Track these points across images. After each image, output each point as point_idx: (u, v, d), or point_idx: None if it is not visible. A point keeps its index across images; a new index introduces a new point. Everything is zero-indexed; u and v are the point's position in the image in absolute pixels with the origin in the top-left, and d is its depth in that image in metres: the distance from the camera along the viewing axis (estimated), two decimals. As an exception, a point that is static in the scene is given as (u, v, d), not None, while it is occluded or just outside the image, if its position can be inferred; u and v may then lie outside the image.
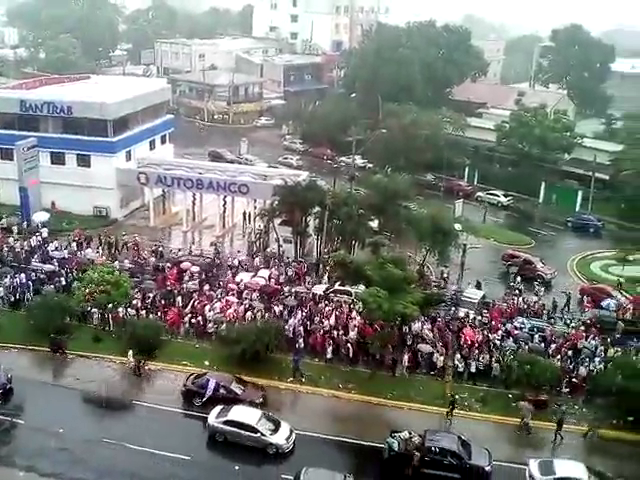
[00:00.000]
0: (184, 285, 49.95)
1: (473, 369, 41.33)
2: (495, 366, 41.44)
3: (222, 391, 37.30)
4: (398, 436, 33.86)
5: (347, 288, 48.72)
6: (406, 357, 41.53)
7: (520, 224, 74.51)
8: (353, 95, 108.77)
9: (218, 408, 35.41)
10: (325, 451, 34.74)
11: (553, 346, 44.17)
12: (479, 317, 47.96)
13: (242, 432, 33.91)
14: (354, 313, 46.03)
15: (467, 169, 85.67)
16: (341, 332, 43.54)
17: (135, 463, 32.77)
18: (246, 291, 49.14)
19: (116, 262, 52.43)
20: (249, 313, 45.39)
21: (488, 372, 41.57)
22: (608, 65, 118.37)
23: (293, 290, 50.01)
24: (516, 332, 45.75)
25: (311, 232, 57.98)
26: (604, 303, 52.09)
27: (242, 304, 46.79)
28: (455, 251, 54.68)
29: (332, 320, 44.83)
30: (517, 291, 53.57)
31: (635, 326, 49.28)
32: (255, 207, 62.60)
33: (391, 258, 43.77)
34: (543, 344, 44.67)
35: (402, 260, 44.87)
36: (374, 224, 57.04)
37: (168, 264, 53.05)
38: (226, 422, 34.30)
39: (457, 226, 55.37)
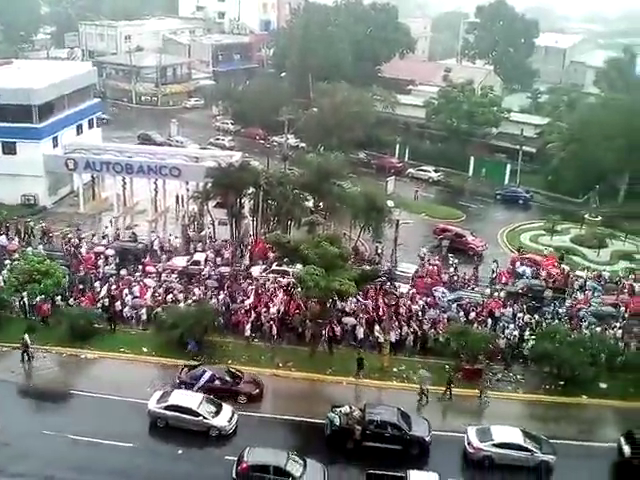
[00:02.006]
0: (100, 270, 49.30)
1: (392, 339, 42.09)
2: (410, 337, 42.54)
3: (217, 383, 37.08)
4: (339, 411, 34.35)
5: (285, 268, 48.87)
6: (326, 331, 41.99)
7: (451, 198, 75.96)
8: (283, 74, 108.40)
9: (158, 394, 35.24)
10: (268, 430, 34.98)
11: (472, 314, 45.50)
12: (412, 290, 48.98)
13: (183, 416, 33.82)
14: (279, 291, 46.45)
15: (398, 146, 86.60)
16: (263, 310, 43.89)
17: (77, 454, 32.35)
18: (164, 274, 48.98)
19: (29, 248, 51.37)
20: (170, 296, 45.26)
21: (424, 343, 42.59)
22: (532, 40, 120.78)
23: (216, 271, 49.93)
24: (437, 302, 47.18)
25: (246, 213, 57.78)
26: (519, 270, 53.85)
27: (161, 287, 46.65)
28: (389, 227, 55.39)
29: (252, 298, 45.07)
30: (454, 264, 54.94)
31: (562, 293, 51.10)
32: (188, 190, 61.94)
33: (327, 236, 44.20)
34: (462, 313, 45.98)
35: (337, 238, 45.35)
36: (309, 203, 57.26)
37: (83, 249, 52.15)
38: (167, 407, 34.14)
39: (390, 203, 56.10)
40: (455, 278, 52.63)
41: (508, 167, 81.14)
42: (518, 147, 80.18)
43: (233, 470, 30.76)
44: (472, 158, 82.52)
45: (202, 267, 50.62)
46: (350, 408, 34.52)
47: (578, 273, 54.98)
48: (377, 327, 42.99)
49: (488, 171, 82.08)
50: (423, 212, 68.18)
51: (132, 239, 56.12)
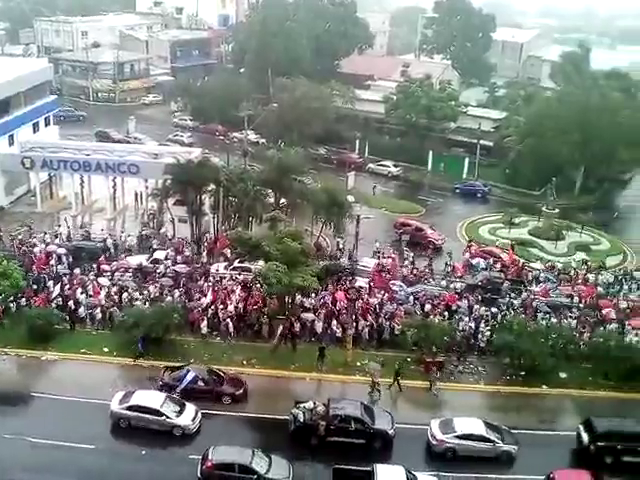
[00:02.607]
0: (53, 269, 48.69)
1: (349, 332, 42.22)
2: (365, 330, 42.80)
3: (200, 384, 36.75)
4: (303, 407, 34.44)
5: (247, 265, 48.75)
6: (284, 327, 41.99)
7: (410, 193, 76.53)
8: (242, 70, 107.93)
9: (120, 394, 34.89)
10: (233, 428, 34.90)
11: (428, 307, 46.00)
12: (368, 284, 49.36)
13: (146, 416, 33.57)
14: (237, 288, 46.41)
15: (358, 141, 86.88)
16: (220, 307, 43.76)
17: (37, 457, 31.81)
18: (118, 272, 48.62)
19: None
20: (125, 294, 44.96)
21: (392, 337, 43.01)
22: (489, 34, 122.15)
23: (171, 269, 49.70)
24: (394, 295, 47.54)
25: (207, 210, 57.45)
26: (474, 261, 54.64)
27: (115, 285, 46.30)
28: (350, 222, 55.61)
29: (210, 296, 44.94)
30: (411, 258, 55.48)
31: (520, 285, 51.86)
32: (147, 187, 61.36)
33: (288, 232, 44.26)
34: (419, 306, 46.50)
35: (299, 234, 45.43)
36: (271, 199, 57.22)
37: (35, 249, 51.41)
38: (129, 407, 33.83)
39: (350, 198, 56.33)
40: (414, 271, 52.96)
41: (466, 161, 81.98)
42: (476, 141, 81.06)
43: (198, 469, 30.64)
44: (431, 153, 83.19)
45: (161, 265, 50.16)
46: (314, 404, 34.61)
47: (532, 265, 55.88)
48: (334, 321, 43.15)
49: (447, 165, 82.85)
50: (383, 207, 68.61)
51: (86, 237, 55.24)
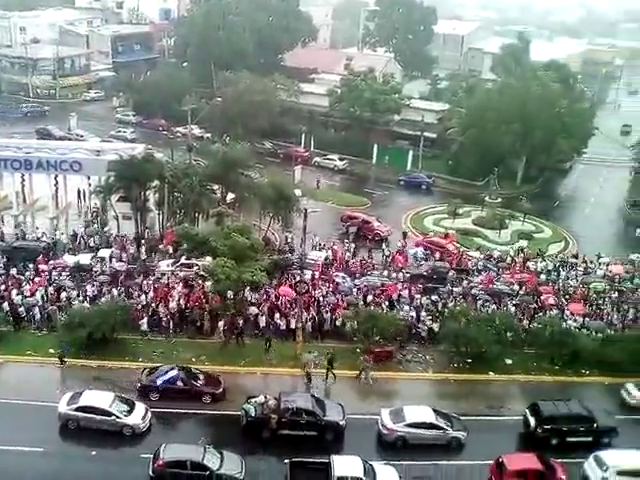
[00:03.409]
0: None
1: (292, 325, 42.58)
2: (309, 323, 42.95)
3: (179, 384, 36.26)
4: (254, 401, 34.47)
5: (193, 261, 48.41)
6: (222, 323, 41.93)
7: (356, 186, 77.06)
8: (185, 64, 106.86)
9: (68, 395, 34.33)
10: (184, 426, 34.75)
11: (370, 297, 46.46)
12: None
13: (95, 417, 33.13)
14: (178, 284, 46.17)
15: (303, 135, 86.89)
16: (161, 304, 43.47)
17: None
18: (55, 272, 47.84)
19: None
20: (64, 294, 44.31)
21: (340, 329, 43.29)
22: (431, 27, 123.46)
23: (109, 266, 49.11)
24: (338, 287, 47.94)
25: (152, 207, 56.79)
26: (411, 251, 55.42)
27: (51, 285, 45.58)
28: (297, 216, 55.70)
29: (151, 293, 44.70)
30: (352, 249, 56.15)
31: (464, 274, 52.72)
32: (90, 185, 60.32)
33: (236, 227, 44.05)
34: (361, 296, 46.91)
35: (247, 228, 45.31)
36: (218, 194, 56.92)
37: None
38: (78, 408, 33.32)
39: (297, 192, 56.40)
40: (362, 263, 53.33)
41: (410, 153, 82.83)
42: (419, 133, 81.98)
43: (149, 468, 30.37)
44: (375, 145, 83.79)
45: (98, 263, 49.47)
46: (265, 398, 34.65)
47: (471, 253, 56.91)
48: (278, 315, 43.23)
49: (391, 158, 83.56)
50: (330, 200, 68.87)
51: (22, 237, 53.97)
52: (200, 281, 46.58)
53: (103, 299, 43.74)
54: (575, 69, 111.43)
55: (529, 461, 32.11)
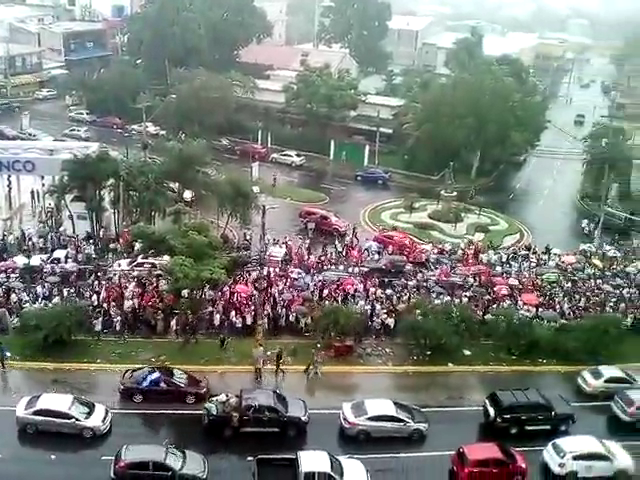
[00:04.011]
0: None
1: (248, 322, 42.56)
2: (265, 320, 42.88)
3: (163, 385, 35.82)
4: (215, 400, 34.31)
5: (151, 260, 47.95)
6: (174, 322, 41.70)
7: (314, 182, 77.27)
8: (139, 61, 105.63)
9: (26, 399, 33.70)
10: (145, 426, 34.47)
11: (325, 292, 46.69)
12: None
13: (54, 420, 32.66)
14: (131, 284, 45.68)
15: (260, 131, 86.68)
16: (112, 304, 43.06)
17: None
18: (2, 274, 47.16)
19: None
20: (13, 296, 43.58)
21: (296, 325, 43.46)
22: (385, 23, 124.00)
23: (59, 267, 48.45)
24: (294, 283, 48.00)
25: (107, 206, 56.08)
26: (366, 245, 55.75)
27: (1, 287, 44.92)
28: (256, 213, 55.53)
29: (103, 294, 44.18)
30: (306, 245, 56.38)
31: (422, 267, 53.17)
32: (43, 185, 59.29)
33: (193, 225, 43.82)
34: (318, 291, 47.04)
35: (205, 226, 45.08)
36: (175, 192, 56.51)
37: None
38: (36, 412, 32.77)
39: (255, 188, 56.26)
40: (321, 258, 53.43)
41: (367, 149, 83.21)
42: (375, 129, 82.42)
43: (111, 470, 30.04)
44: (332, 141, 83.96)
45: (48, 264, 48.71)
46: (226, 396, 34.53)
47: (424, 247, 57.42)
48: (233, 312, 43.09)
49: (348, 153, 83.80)
50: (288, 196, 68.82)
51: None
52: (153, 280, 46.13)
53: (54, 300, 42.98)
54: (527, 63, 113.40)
55: (489, 451, 32.60)
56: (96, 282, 46.27)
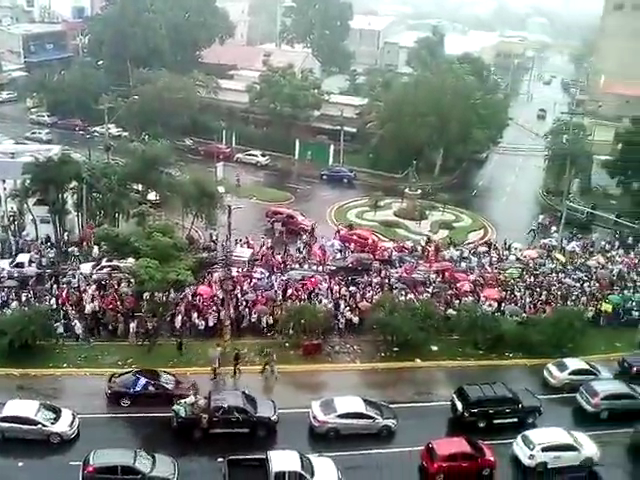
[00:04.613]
0: None
1: (211, 323, 42.46)
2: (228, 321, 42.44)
3: (151, 388, 35.53)
4: (183, 402, 34.11)
5: (115, 263, 47.51)
6: (133, 324, 41.25)
7: (279, 181, 77.28)
8: (101, 62, 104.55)
9: (-9, 406, 33.23)
10: (114, 430, 34.08)
11: (290, 291, 46.70)
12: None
13: (21, 426, 32.17)
14: (90, 287, 45.24)
15: (224, 131, 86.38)
16: (70, 308, 42.63)
17: None
18: None
19: None
20: None
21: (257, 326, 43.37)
22: (347, 22, 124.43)
23: (16, 271, 47.72)
24: (257, 282, 47.90)
25: (70, 209, 55.43)
26: (327, 244, 56.14)
27: None
28: (221, 213, 55.32)
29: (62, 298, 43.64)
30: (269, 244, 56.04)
31: (388, 264, 53.50)
32: (5, 188, 58.37)
33: (158, 226, 43.47)
34: (281, 291, 46.91)
35: (169, 227, 44.75)
36: (139, 194, 56.09)
37: None
38: (2, 419, 32.26)
39: (220, 189, 56.08)
40: (284, 258, 53.40)
41: (331, 148, 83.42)
42: (339, 128, 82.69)
43: (79, 475, 29.69)
44: (297, 141, 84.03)
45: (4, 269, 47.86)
46: (195, 397, 34.39)
47: (385, 244, 57.74)
48: (195, 314, 42.85)
49: (313, 153, 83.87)
50: (254, 196, 68.73)
51: None
52: (114, 283, 45.69)
53: (13, 305, 42.18)
54: (488, 61, 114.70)
55: (458, 445, 32.94)
56: (55, 286, 45.48)
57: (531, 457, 33.22)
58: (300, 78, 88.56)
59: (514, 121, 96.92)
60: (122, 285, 45.34)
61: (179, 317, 42.51)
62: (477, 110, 79.80)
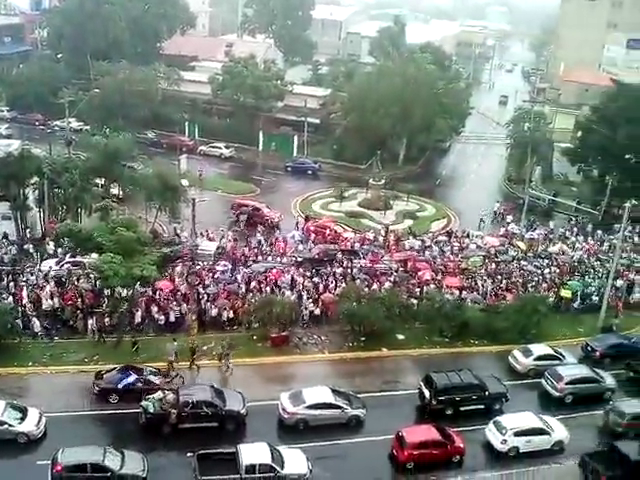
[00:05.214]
0: None
1: (172, 318, 42.21)
2: (189, 315, 42.38)
3: (140, 384, 35.27)
4: (152, 397, 33.92)
5: (79, 259, 46.97)
6: (92, 321, 40.80)
7: (244, 173, 76.95)
8: (60, 55, 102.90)
9: (-46, 408, 32.69)
10: (82, 428, 33.71)
11: (253, 284, 46.63)
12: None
13: (-15, 427, 31.84)
14: (49, 284, 44.56)
15: (187, 123, 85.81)
16: (28, 305, 42.01)
17: None
18: None
19: None
20: None
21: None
22: (309, 13, 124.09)
23: None
24: (219, 276, 47.76)
25: (32, 205, 54.62)
26: (289, 235, 56.37)
27: None
28: (185, 206, 54.94)
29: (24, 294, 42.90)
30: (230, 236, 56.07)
31: (353, 255, 53.68)
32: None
33: (121, 221, 43.06)
34: (244, 284, 46.86)
35: (133, 222, 44.28)
36: (101, 188, 55.49)
37: None
38: (-34, 420, 31.90)
39: (184, 181, 55.69)
40: (245, 251, 53.27)
41: (296, 139, 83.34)
42: (303, 119, 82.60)
43: (48, 474, 29.41)
44: (261, 132, 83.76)
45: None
46: (163, 393, 34.23)
47: (346, 235, 57.98)
48: (155, 309, 42.55)
49: (277, 144, 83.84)
50: (219, 188, 68.40)
51: None
52: (74, 279, 45.16)
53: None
54: (450, 51, 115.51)
55: (428, 432, 33.30)
56: (12, 284, 44.68)
57: (503, 442, 33.78)
58: (263, 69, 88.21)
59: (476, 110, 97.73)
60: (81, 281, 44.79)
61: (139, 312, 42.05)
62: (439, 99, 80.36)
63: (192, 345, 39.16)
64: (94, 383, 35.74)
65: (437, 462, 32.69)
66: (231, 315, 43.10)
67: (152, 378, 36.28)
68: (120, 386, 35.29)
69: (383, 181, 68.63)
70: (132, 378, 35.63)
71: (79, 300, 42.68)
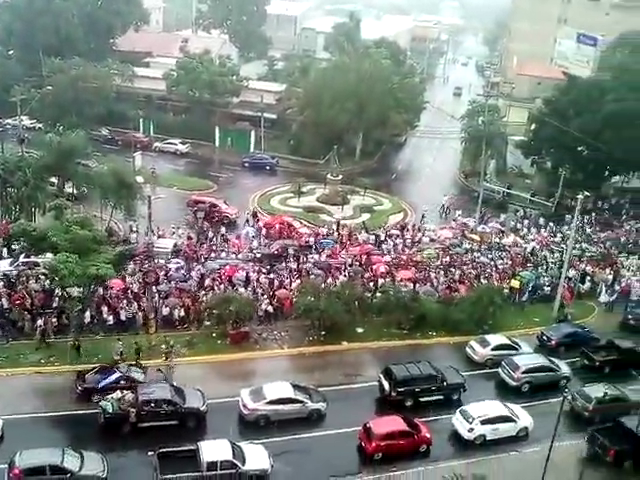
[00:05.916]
0: None
1: (123, 317, 41.68)
2: (140, 314, 42.12)
3: (123, 382, 34.82)
4: (110, 397, 33.65)
5: (34, 259, 46.19)
6: (40, 321, 39.97)
7: (200, 169, 76.48)
8: (11, 52, 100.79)
9: None
10: (39, 430, 33.22)
11: (207, 281, 46.49)
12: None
13: (-61, 431, 31.21)
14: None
15: (142, 120, 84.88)
16: None
17: None
18: None
19: None
20: None
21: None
22: (264, 8, 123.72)
23: None
24: (171, 274, 47.32)
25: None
26: (243, 232, 56.37)
27: None
28: (141, 203, 54.43)
29: None
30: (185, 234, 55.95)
31: (310, 250, 53.96)
32: None
33: (76, 220, 42.52)
34: (197, 282, 46.65)
35: (88, 220, 43.80)
36: (55, 187, 54.69)
37: None
38: None
39: (139, 178, 55.21)
40: (196, 248, 53.01)
41: (252, 135, 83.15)
42: (259, 114, 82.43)
43: (5, 478, 28.94)
44: (217, 128, 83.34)
45: None
46: (121, 392, 33.97)
47: (301, 230, 58.12)
48: (105, 309, 41.88)
49: (234, 140, 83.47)
50: (175, 185, 67.85)
51: None
52: (24, 279, 44.36)
53: None
54: (404, 46, 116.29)
55: (395, 423, 33.69)
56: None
57: (470, 430, 34.35)
58: (218, 64, 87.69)
59: (431, 104, 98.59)
60: (31, 282, 44.01)
61: (87, 312, 41.20)
62: (394, 94, 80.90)
63: (136, 346, 38.52)
64: (76, 383, 35.29)
65: (405, 452, 33.03)
66: (182, 314, 42.71)
67: (135, 375, 35.94)
68: (104, 385, 34.88)
69: (341, 176, 68.88)
70: (115, 376, 35.28)
71: (28, 301, 41.84)
